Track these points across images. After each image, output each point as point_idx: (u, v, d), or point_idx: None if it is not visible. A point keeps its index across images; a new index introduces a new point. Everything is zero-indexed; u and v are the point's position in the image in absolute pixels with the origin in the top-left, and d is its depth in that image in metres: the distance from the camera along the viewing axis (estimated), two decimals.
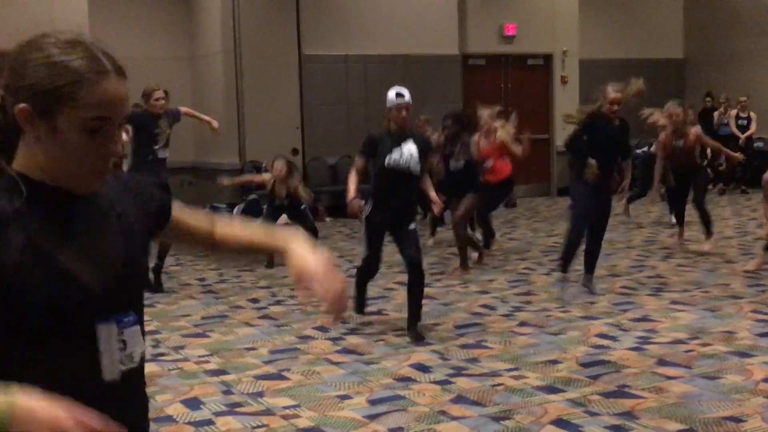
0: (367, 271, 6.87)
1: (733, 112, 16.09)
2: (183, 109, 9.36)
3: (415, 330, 6.42)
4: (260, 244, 1.96)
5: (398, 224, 6.46)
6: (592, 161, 7.43)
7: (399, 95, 6.60)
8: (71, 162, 1.56)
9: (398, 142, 6.49)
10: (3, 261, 1.50)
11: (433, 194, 6.84)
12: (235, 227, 1.96)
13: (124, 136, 8.52)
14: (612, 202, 7.89)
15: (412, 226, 6.47)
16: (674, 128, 9.65)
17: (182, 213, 1.88)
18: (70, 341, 1.57)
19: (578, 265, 7.90)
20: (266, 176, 10.16)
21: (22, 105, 1.53)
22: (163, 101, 8.82)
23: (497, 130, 9.69)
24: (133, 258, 1.69)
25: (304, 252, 1.83)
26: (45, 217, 1.57)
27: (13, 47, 1.58)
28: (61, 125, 1.53)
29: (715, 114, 16.07)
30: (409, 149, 6.47)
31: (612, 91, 7.59)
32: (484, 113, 9.73)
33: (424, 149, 6.57)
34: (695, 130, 9.93)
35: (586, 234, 7.68)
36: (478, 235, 9.95)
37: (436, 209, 7.14)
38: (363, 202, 6.65)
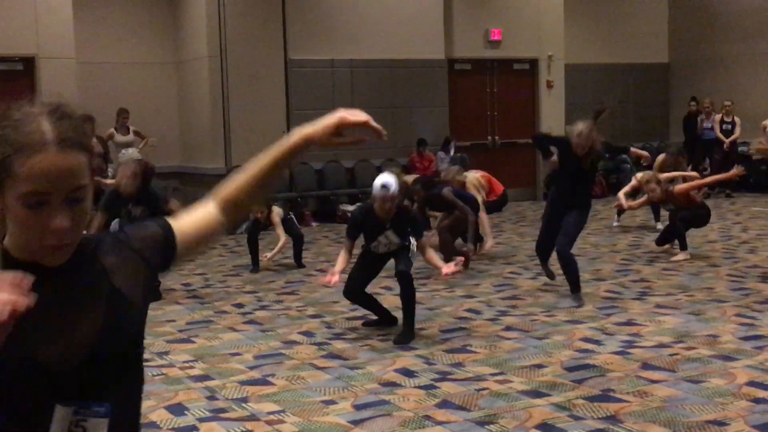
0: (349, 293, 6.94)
1: (718, 116, 16.17)
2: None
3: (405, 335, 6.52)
4: (272, 162, 1.82)
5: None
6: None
7: (384, 186, 6.51)
8: (22, 236, 1.52)
9: (380, 229, 6.67)
10: None
11: (439, 263, 6.78)
12: (232, 181, 1.81)
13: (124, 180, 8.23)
14: (578, 219, 7.63)
15: (409, 252, 6.78)
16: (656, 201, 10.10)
17: (183, 231, 1.75)
18: (28, 417, 1.51)
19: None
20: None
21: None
22: (131, 187, 8.20)
23: (465, 180, 10.39)
24: (114, 340, 1.57)
25: (315, 122, 1.77)
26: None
27: None
28: (8, 200, 1.50)
29: (698, 119, 16.09)
30: (390, 238, 6.68)
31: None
32: (450, 174, 10.41)
33: (411, 228, 6.74)
34: (680, 188, 9.96)
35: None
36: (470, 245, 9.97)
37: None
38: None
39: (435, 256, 6.85)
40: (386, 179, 6.57)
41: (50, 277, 1.55)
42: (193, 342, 6.65)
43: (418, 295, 8.01)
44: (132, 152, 12.11)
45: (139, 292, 1.65)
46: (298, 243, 9.98)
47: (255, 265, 9.71)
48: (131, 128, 13.21)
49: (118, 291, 1.61)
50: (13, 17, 12.69)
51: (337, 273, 6.44)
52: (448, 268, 6.45)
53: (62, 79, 12.87)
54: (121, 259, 1.65)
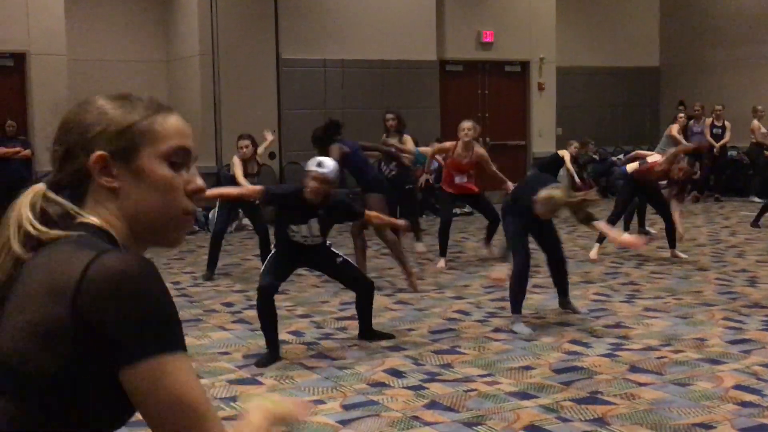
0: (262, 293, 5.99)
1: (708, 120, 16.23)
2: None
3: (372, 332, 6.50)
4: None
5: (320, 263, 6.43)
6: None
7: (320, 165, 6.07)
8: (162, 204, 1.43)
9: (305, 215, 6.10)
10: None
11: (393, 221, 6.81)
12: None
13: None
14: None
15: (339, 259, 6.33)
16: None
17: (147, 374, 1.34)
18: None
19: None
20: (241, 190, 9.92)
21: (98, 152, 1.41)
22: None
23: None
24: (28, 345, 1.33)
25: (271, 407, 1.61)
26: None
27: (65, 116, 1.49)
28: (145, 162, 1.42)
29: (678, 122, 15.87)
30: (313, 229, 6.16)
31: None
32: None
33: (343, 217, 6.58)
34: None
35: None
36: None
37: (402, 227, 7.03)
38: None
39: (383, 217, 6.87)
40: (325, 159, 6.22)
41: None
42: None
43: (406, 296, 8.05)
44: None
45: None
46: (263, 240, 9.19)
47: (212, 270, 9.17)
48: None
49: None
50: (4, 13, 12.66)
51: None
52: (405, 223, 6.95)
53: (53, 75, 12.85)
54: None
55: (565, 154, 13.20)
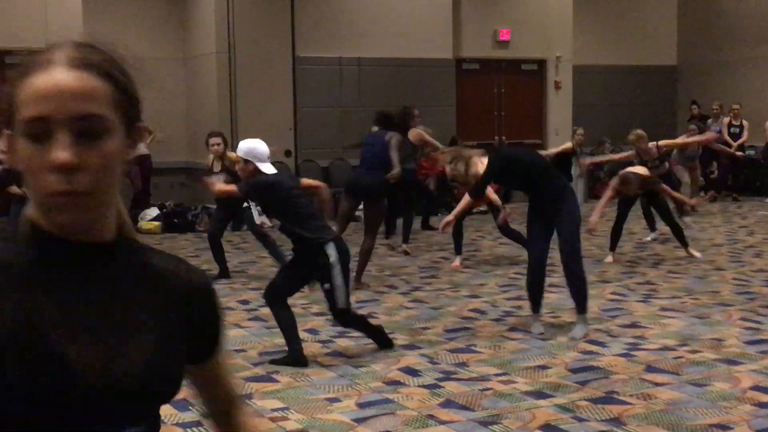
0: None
1: (726, 119, 16.13)
2: None
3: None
4: None
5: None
6: None
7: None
8: (32, 185, 1.23)
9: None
10: None
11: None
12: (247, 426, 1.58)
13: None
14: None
15: (327, 286, 5.82)
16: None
17: (221, 362, 1.49)
18: None
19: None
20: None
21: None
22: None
23: None
24: (164, 361, 1.30)
25: None
26: (57, 277, 1.25)
27: None
28: (16, 138, 1.24)
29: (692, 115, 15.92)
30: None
31: None
32: None
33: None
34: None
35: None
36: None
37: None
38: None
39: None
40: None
41: (90, 260, 1.27)
42: None
43: (422, 294, 8.04)
44: (139, 147, 12.09)
45: (180, 335, 1.37)
46: (271, 247, 9.07)
47: (223, 271, 9.12)
48: None
49: (168, 313, 1.34)
50: (21, 10, 12.72)
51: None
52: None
53: None
54: (173, 287, 1.37)
55: (568, 145, 13.12)
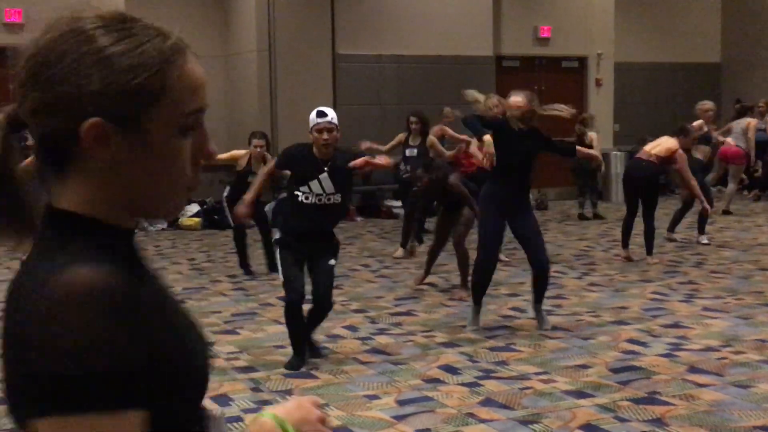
0: (290, 307, 5.69)
1: None
2: None
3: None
4: None
5: (315, 255, 5.68)
6: None
7: (320, 113, 5.62)
8: (167, 179, 1.13)
9: (315, 171, 5.63)
10: (159, 341, 1.08)
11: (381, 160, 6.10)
12: None
13: None
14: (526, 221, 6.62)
15: (332, 261, 5.68)
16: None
17: None
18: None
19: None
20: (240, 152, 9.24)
21: (92, 120, 1.07)
22: None
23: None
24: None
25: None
26: (140, 271, 1.16)
27: (38, 43, 1.11)
28: (153, 131, 1.10)
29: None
30: (327, 184, 5.63)
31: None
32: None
33: (348, 173, 5.74)
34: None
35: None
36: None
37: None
38: (250, 213, 6.21)
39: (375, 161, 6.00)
40: (323, 108, 5.76)
41: (138, 251, 1.20)
42: (238, 334, 6.70)
43: (462, 291, 8.00)
44: None
45: None
46: (266, 242, 8.78)
47: (246, 267, 9.09)
48: None
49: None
50: (64, 9, 12.87)
51: (244, 207, 6.06)
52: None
53: None
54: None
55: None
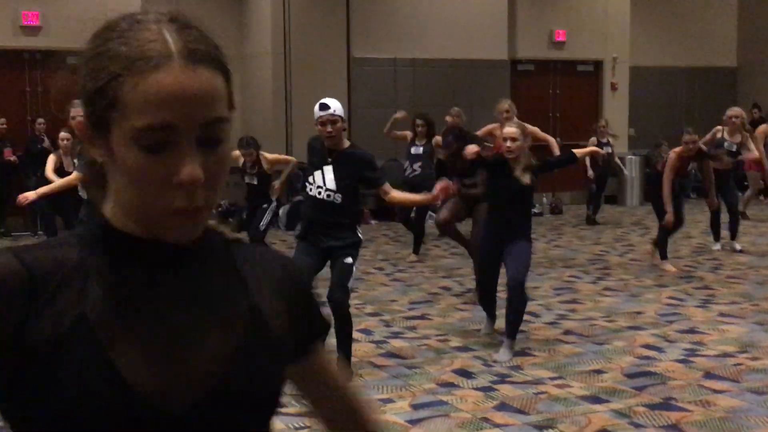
0: None
1: None
2: None
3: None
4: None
5: (334, 252, 5.53)
6: None
7: (323, 106, 5.50)
8: (136, 197, 1.06)
9: (323, 161, 5.52)
10: (45, 330, 1.03)
11: (415, 196, 6.13)
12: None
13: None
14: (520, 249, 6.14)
15: (348, 260, 5.48)
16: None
17: (325, 359, 1.32)
18: None
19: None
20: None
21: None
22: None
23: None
24: (248, 374, 1.11)
25: None
26: (120, 282, 1.08)
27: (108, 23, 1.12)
28: (115, 143, 1.05)
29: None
30: (328, 176, 5.48)
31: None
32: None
33: (360, 170, 5.50)
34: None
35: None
36: None
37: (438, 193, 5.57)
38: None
39: (403, 194, 6.00)
40: (327, 99, 5.61)
41: (170, 263, 1.11)
42: None
43: (476, 295, 7.98)
44: None
45: (288, 338, 1.20)
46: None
47: None
48: None
49: (259, 310, 1.16)
50: (81, 12, 12.92)
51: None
52: (436, 190, 5.47)
53: None
54: (266, 281, 1.20)
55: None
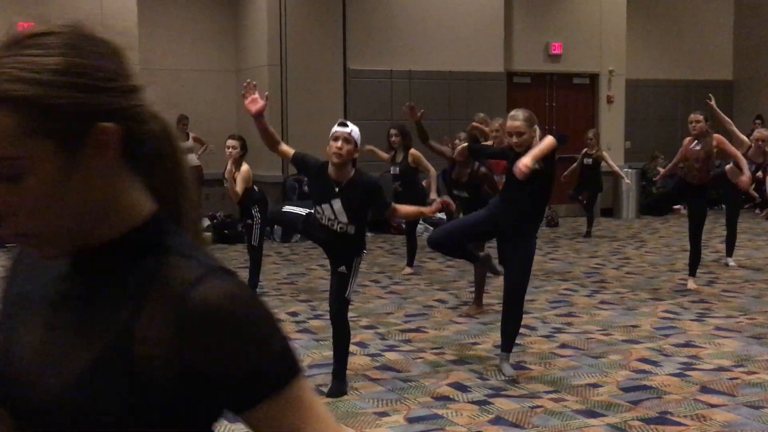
0: None
1: None
2: None
3: (337, 381, 5.57)
4: None
5: (332, 258, 5.67)
6: None
7: (342, 124, 5.47)
8: None
9: (329, 193, 5.40)
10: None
11: (421, 208, 6.10)
12: None
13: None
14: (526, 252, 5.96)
15: (342, 269, 5.53)
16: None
17: (274, 415, 1.09)
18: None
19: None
20: None
21: None
22: None
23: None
24: (83, 396, 1.07)
25: None
26: (34, 275, 1.21)
27: None
28: None
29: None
30: (337, 208, 5.39)
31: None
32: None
33: (369, 199, 5.47)
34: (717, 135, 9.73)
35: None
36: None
37: (436, 206, 5.67)
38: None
39: (408, 207, 6.02)
40: (348, 121, 5.56)
41: (72, 269, 1.16)
42: None
43: (472, 308, 7.97)
44: (191, 158, 12.26)
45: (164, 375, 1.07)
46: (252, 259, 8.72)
47: (255, 284, 8.72)
48: (191, 135, 13.39)
49: (131, 336, 1.07)
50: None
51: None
52: (436, 204, 5.55)
53: None
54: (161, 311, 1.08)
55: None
